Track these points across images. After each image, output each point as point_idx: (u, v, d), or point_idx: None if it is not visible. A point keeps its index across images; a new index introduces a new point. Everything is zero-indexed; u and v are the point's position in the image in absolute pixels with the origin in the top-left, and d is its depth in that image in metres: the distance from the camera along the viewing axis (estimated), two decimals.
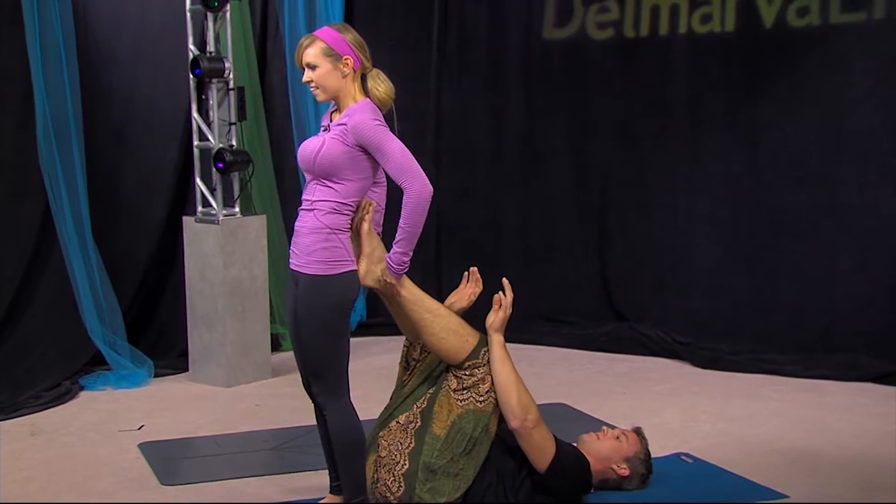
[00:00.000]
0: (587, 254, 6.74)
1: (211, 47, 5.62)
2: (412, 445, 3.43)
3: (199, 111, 5.69)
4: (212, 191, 5.67)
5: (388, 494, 3.43)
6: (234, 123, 5.70)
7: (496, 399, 3.47)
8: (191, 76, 5.63)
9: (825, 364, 5.66)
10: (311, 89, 3.38)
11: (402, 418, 3.50)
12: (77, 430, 4.81)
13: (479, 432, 3.44)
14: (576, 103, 6.67)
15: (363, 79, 3.38)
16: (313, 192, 3.35)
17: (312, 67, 3.31)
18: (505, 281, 3.60)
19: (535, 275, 6.76)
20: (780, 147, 5.99)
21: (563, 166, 6.77)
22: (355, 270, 3.33)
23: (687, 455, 4.30)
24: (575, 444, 3.76)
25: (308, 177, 3.40)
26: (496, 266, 6.24)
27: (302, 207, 3.39)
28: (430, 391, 3.53)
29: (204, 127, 5.68)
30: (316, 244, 3.28)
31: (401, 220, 3.29)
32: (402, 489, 3.41)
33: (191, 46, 5.65)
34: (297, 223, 3.39)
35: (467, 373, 3.47)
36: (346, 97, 3.35)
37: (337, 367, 3.32)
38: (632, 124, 6.53)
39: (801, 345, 5.83)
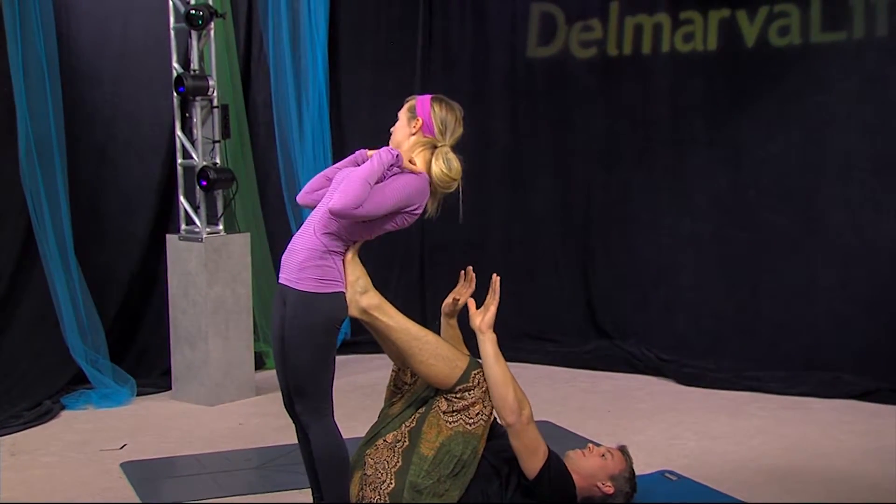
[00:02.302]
0: (571, 272, 6.75)
1: (195, 65, 5.63)
2: (399, 464, 3.42)
3: (183, 129, 5.69)
4: (195, 209, 5.67)
5: None
6: (218, 141, 5.69)
7: (485, 422, 3.47)
8: (174, 94, 5.63)
9: (808, 381, 5.69)
10: (392, 138, 3.54)
11: (389, 437, 3.49)
12: (59, 449, 4.78)
13: (467, 455, 3.43)
14: (559, 122, 6.71)
15: (433, 147, 3.49)
16: (326, 205, 3.36)
17: (397, 118, 3.52)
18: (495, 277, 3.59)
19: (520, 293, 6.75)
20: (761, 165, 6.03)
21: (547, 184, 6.79)
22: (344, 292, 3.34)
23: (671, 472, 4.30)
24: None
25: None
26: (480, 284, 6.22)
27: (306, 223, 3.40)
28: (420, 411, 3.52)
29: (188, 145, 5.68)
30: (309, 261, 3.29)
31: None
32: None
33: (174, 64, 5.65)
34: (293, 238, 3.40)
35: (458, 396, 3.47)
36: (406, 150, 3.47)
37: (321, 386, 3.31)
38: (615, 142, 6.56)
39: (784, 362, 5.86)
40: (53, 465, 4.55)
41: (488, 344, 3.51)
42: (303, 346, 3.28)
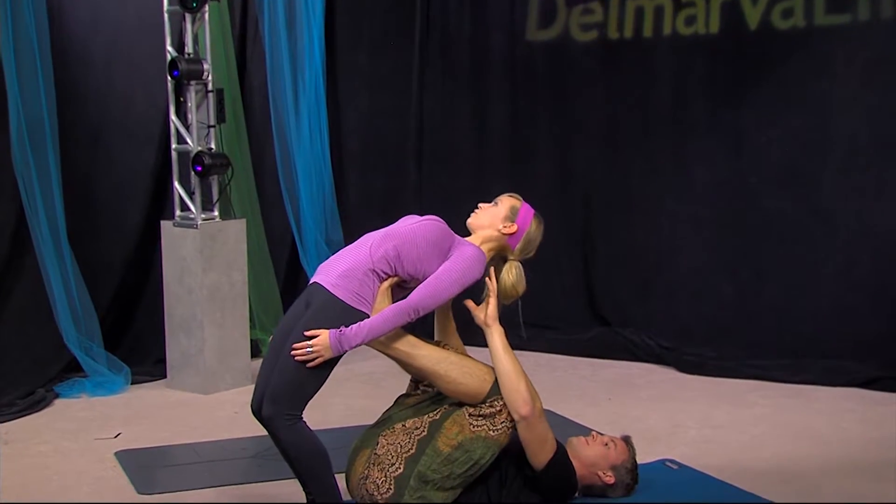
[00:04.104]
0: (571, 258, 6.73)
1: (189, 49, 5.58)
2: (412, 451, 3.43)
3: (178, 113, 5.66)
4: (190, 194, 5.64)
5: (375, 493, 3.43)
6: (213, 126, 5.65)
7: (508, 431, 3.46)
8: (169, 78, 5.59)
9: (811, 369, 5.68)
10: (474, 211, 3.63)
11: (409, 423, 3.50)
12: (52, 438, 4.77)
13: (486, 459, 3.44)
14: (559, 106, 6.68)
15: (503, 259, 3.60)
16: (388, 229, 3.49)
17: (494, 203, 3.61)
18: (490, 269, 3.59)
19: None
20: (764, 150, 6.01)
21: (547, 169, 6.76)
22: (369, 316, 3.38)
23: (672, 461, 4.30)
24: None
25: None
26: None
27: (359, 241, 3.48)
28: (446, 406, 3.52)
29: (182, 129, 5.65)
30: (353, 272, 3.36)
31: (387, 309, 3.35)
32: (390, 491, 3.41)
33: (168, 48, 5.62)
34: (343, 250, 3.50)
35: (487, 403, 3.46)
36: (481, 238, 3.56)
37: (301, 395, 3.33)
38: (615, 127, 6.54)
39: (786, 350, 5.85)
40: (47, 453, 4.54)
41: (496, 336, 3.50)
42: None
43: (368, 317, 3.37)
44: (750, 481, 4.04)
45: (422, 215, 3.57)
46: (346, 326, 3.31)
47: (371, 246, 3.41)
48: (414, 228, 3.45)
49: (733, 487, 3.99)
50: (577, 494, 3.74)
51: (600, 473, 3.74)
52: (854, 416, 5.03)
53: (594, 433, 3.89)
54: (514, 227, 3.56)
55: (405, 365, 3.54)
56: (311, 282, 3.48)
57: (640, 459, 3.90)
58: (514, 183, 6.77)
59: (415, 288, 3.42)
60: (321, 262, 6.73)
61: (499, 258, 3.61)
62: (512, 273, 3.58)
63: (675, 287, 6.37)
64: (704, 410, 5.16)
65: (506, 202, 3.61)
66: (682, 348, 6.09)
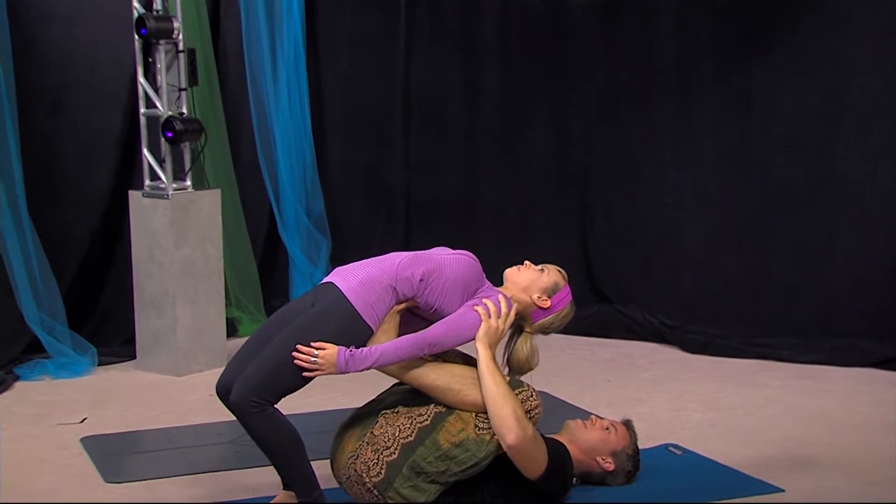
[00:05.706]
0: (568, 232, 6.72)
1: (158, 5, 5.54)
2: (410, 439, 3.42)
3: (146, 75, 5.61)
4: (160, 163, 5.60)
5: (364, 474, 3.41)
6: (185, 89, 5.61)
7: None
8: (136, 37, 5.53)
9: (823, 349, 5.68)
10: (521, 266, 3.68)
11: (413, 409, 3.50)
12: (11, 424, 4.74)
13: (487, 461, 3.43)
14: (556, 68, 6.64)
15: (518, 328, 3.62)
16: (425, 253, 3.55)
17: (541, 269, 3.65)
18: (501, 297, 3.55)
19: (513, 255, 6.60)
20: (774, 115, 5.97)
21: (542, 138, 6.73)
22: (373, 333, 3.39)
23: (675, 446, 4.29)
24: (555, 437, 3.73)
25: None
26: (471, 246, 6.17)
27: (386, 256, 3.50)
28: None
29: (151, 93, 5.60)
30: (374, 282, 3.38)
31: (401, 339, 3.36)
32: (381, 476, 3.39)
33: (135, 4, 5.54)
34: (372, 258, 3.51)
35: None
36: (511, 294, 3.56)
37: (277, 389, 3.33)
38: (616, 92, 6.50)
39: (797, 328, 5.84)
40: (7, 439, 4.51)
41: (481, 359, 3.46)
42: (302, 343, 3.29)
43: (373, 332, 3.38)
44: (758, 467, 4.03)
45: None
46: (349, 335, 3.32)
47: (399, 264, 3.43)
48: (447, 260, 3.49)
49: (740, 474, 3.98)
50: (575, 482, 3.71)
51: (599, 459, 3.73)
52: (868, 397, 5.03)
53: (593, 417, 3.87)
54: (548, 304, 3.59)
55: (410, 384, 3.52)
56: (323, 281, 3.49)
57: (641, 444, 3.89)
58: (509, 152, 6.80)
59: (426, 318, 3.46)
60: (300, 235, 6.76)
61: (515, 325, 3.61)
62: (527, 346, 3.62)
63: (679, 261, 6.36)
64: (710, 392, 5.16)
65: (552, 275, 3.64)
66: (687, 326, 6.09)
